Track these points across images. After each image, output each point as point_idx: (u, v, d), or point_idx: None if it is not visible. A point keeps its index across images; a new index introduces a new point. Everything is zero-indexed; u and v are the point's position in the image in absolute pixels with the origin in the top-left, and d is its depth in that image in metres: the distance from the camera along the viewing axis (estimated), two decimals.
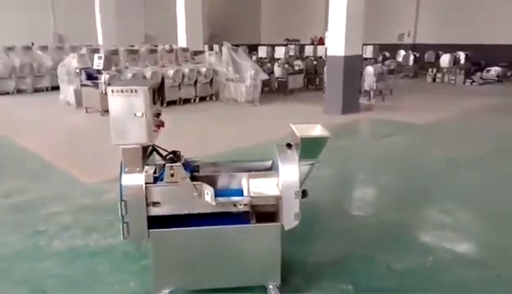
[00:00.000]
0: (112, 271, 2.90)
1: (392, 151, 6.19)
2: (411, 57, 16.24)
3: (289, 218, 2.42)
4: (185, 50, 10.74)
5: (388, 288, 2.70)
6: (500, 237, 3.42)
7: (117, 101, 2.16)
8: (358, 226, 3.65)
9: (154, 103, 2.34)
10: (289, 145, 2.48)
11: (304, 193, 2.54)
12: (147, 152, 2.37)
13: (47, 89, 12.09)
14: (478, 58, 15.57)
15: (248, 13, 23.96)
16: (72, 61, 9.35)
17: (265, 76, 9.93)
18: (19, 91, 11.72)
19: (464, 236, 3.45)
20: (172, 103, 9.76)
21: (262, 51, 12.69)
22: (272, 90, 11.98)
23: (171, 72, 9.47)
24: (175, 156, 2.37)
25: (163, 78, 9.38)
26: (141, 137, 2.21)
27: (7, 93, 11.48)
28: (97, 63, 8.54)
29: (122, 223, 2.27)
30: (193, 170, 2.46)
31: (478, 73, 14.63)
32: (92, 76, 8.61)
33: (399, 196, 4.37)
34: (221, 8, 22.80)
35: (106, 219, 3.65)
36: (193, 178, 2.37)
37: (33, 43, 13.20)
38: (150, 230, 2.31)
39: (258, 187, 2.42)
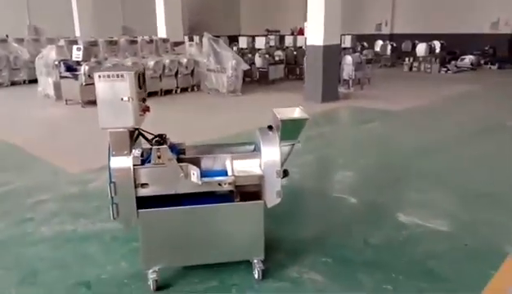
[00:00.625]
0: (103, 253, 2.99)
1: (369, 136, 6.41)
2: (389, 47, 16.56)
3: (272, 196, 2.56)
4: (165, 41, 10.72)
5: (365, 260, 2.88)
6: (467, 213, 3.66)
7: (104, 86, 2.24)
8: (336, 206, 3.84)
9: (140, 87, 2.42)
10: (270, 128, 2.61)
11: (286, 173, 2.68)
12: (134, 135, 2.46)
13: (24, 82, 11.89)
14: (454, 47, 16.00)
15: (227, 4, 23.86)
16: (50, 53, 9.24)
17: (246, 66, 10.02)
18: None
19: (434, 213, 3.67)
20: (153, 94, 9.74)
21: (243, 42, 12.75)
22: (254, 80, 12.08)
23: (151, 63, 9.46)
24: (161, 139, 2.47)
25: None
26: (128, 121, 2.30)
27: None
28: (76, 54, 8.47)
29: (111, 204, 2.36)
30: (179, 152, 2.56)
31: (453, 62, 15.06)
32: (71, 68, 8.54)
33: (373, 177, 4.59)
34: (199, 2, 22.66)
35: (94, 205, 3.72)
36: (179, 160, 2.48)
37: (7, 36, 12.91)
38: (139, 210, 2.42)
39: (242, 167, 2.55)
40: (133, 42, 9.98)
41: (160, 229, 2.49)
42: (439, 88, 10.94)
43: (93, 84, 7.11)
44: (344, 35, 11.89)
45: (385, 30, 20.04)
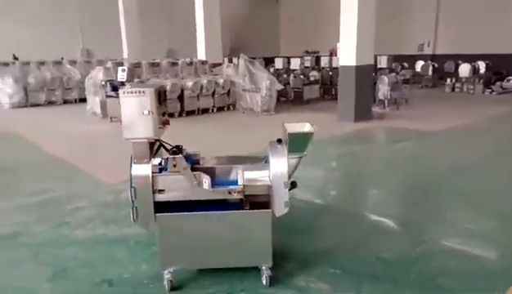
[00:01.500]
0: (127, 256, 3.24)
1: (399, 156, 6.38)
2: (430, 67, 16.26)
3: (280, 206, 2.71)
4: (204, 62, 11.23)
5: (374, 274, 2.92)
6: (499, 233, 3.59)
7: (127, 101, 2.51)
8: (355, 221, 3.89)
9: (160, 103, 2.68)
10: (279, 141, 2.77)
11: (293, 184, 2.83)
12: (154, 146, 2.71)
13: (76, 101, 12.82)
14: (500, 67, 15.45)
15: (268, 27, 24.51)
16: (98, 74, 9.97)
17: (280, 86, 10.26)
18: (49, 103, 12.48)
19: (455, 232, 3.63)
20: (191, 113, 10.22)
21: (279, 63, 13.06)
22: (289, 100, 12.29)
23: (190, 83, 9.94)
24: (178, 149, 2.70)
25: (182, 90, 9.90)
26: (148, 132, 2.55)
27: (39, 105, 12.24)
28: (121, 75, 9.09)
29: (132, 207, 2.61)
30: (194, 162, 2.79)
31: (499, 83, 14.51)
32: (116, 87, 9.14)
33: (397, 195, 4.58)
34: (241, 23, 23.47)
35: (124, 213, 4.00)
36: (194, 169, 2.70)
37: (62, 58, 14.06)
38: (156, 214, 2.64)
39: (251, 177, 2.72)
40: (174, 64, 10.56)
41: (175, 232, 2.70)
42: (481, 109, 10.61)
43: None
44: (380, 56, 11.89)
45: (427, 50, 19.68)
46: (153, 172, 2.60)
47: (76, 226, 3.82)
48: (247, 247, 2.74)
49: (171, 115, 9.82)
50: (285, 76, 12.45)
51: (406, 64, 16.86)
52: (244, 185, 2.62)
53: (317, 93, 12.41)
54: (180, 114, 10.04)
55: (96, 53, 18.91)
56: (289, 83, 12.17)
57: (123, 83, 9.06)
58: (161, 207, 2.67)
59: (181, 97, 9.93)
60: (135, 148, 2.58)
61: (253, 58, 11.37)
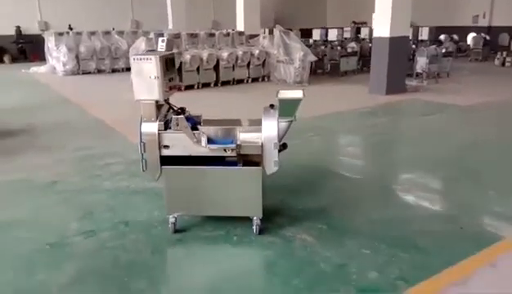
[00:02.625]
0: (144, 204, 3.72)
1: (420, 128, 6.39)
2: (481, 40, 15.38)
3: (270, 165, 3.02)
4: (240, 34, 11.46)
5: (357, 229, 3.19)
6: (469, 197, 3.69)
7: (137, 66, 2.89)
8: (353, 186, 4.13)
9: (168, 70, 3.04)
10: (272, 106, 3.06)
11: (284, 146, 3.14)
12: (162, 107, 3.09)
13: (123, 69, 13.62)
14: None
15: None
16: (141, 44, 10.53)
17: (313, 58, 10.32)
18: (99, 71, 13.39)
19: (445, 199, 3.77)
20: (226, 83, 10.59)
21: (317, 34, 12.98)
22: (325, 72, 12.31)
23: (225, 54, 10.27)
24: (181, 111, 3.07)
25: (218, 60, 10.26)
26: (155, 95, 2.93)
27: (89, 73, 13.17)
28: (161, 45, 9.52)
29: (141, 159, 3.04)
30: (196, 122, 3.15)
31: None
32: None
33: (405, 164, 4.72)
34: None
35: None
36: (195, 129, 3.06)
37: (113, 28, 14.88)
38: (162, 167, 3.06)
39: (246, 138, 3.04)
40: (212, 35, 10.89)
41: (178, 183, 3.11)
42: None
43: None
44: (422, 27, 11.48)
45: (483, 22, 18.50)
46: (159, 130, 2.99)
47: (105, 178, 4.37)
48: (240, 199, 3.10)
49: (207, 85, 10.27)
50: (322, 47, 12.41)
51: (455, 36, 16.08)
52: (237, 145, 2.95)
53: (355, 65, 12.29)
54: (215, 84, 10.45)
55: (144, 24, 19.72)
56: (326, 55, 12.16)
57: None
58: (168, 160, 3.07)
59: (217, 67, 10.31)
60: (144, 108, 2.98)
61: (290, 29, 11.44)
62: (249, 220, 3.17)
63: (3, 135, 6.17)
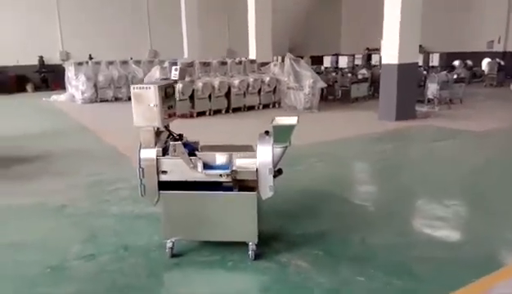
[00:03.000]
0: (145, 228, 3.80)
1: (429, 154, 6.35)
2: (496, 65, 15.29)
3: (265, 190, 3.08)
4: (252, 62, 11.72)
5: (355, 256, 3.18)
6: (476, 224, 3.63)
7: (137, 95, 3.03)
8: (356, 212, 4.12)
9: (167, 97, 3.17)
10: (267, 132, 3.14)
11: (280, 171, 3.19)
12: (161, 134, 3.21)
13: None
14: None
15: (328, 25, 24.44)
16: (156, 73, 10.89)
17: (323, 84, 10.45)
18: (116, 99, 13.80)
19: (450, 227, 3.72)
20: (237, 109, 10.78)
21: (327, 61, 13.17)
22: (336, 98, 12.40)
23: (236, 81, 10.50)
24: (179, 137, 3.18)
25: (229, 87, 10.49)
26: (154, 122, 3.05)
27: (107, 100, 13.60)
28: (174, 74, 9.84)
29: (140, 185, 3.14)
30: (193, 149, 3.25)
31: None
32: None
33: (411, 190, 4.69)
34: (302, 21, 23.68)
35: None
36: (193, 155, 3.16)
37: (131, 58, 15.45)
38: (160, 192, 3.14)
39: (241, 164, 3.12)
40: (224, 63, 11.18)
41: (175, 208, 3.18)
42: None
43: (186, 100, 8.62)
44: (432, 53, 11.53)
45: (497, 48, 18.43)
46: (157, 156, 3.10)
47: (113, 203, 4.48)
48: (235, 224, 3.15)
49: (218, 111, 10.46)
50: (333, 74, 12.55)
51: (469, 62, 16.04)
52: (232, 170, 3.02)
53: (366, 91, 12.35)
54: (227, 111, 10.64)
55: (161, 53, 20.38)
56: (336, 81, 12.28)
57: (175, 81, 9.84)
58: (167, 186, 3.16)
59: (228, 94, 10.53)
60: (143, 135, 3.10)
61: (301, 57, 11.67)
62: (246, 245, 3.19)
63: (21, 161, 6.41)
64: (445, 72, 10.76)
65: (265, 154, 3.04)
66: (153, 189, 3.14)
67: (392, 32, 8.58)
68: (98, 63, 13.92)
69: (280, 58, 11.61)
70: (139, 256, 3.29)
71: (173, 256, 3.22)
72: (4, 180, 5.39)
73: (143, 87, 3.03)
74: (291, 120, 3.13)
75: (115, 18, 19.32)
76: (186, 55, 17.05)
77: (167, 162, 3.11)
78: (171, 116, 3.25)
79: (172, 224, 3.22)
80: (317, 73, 12.38)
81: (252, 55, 12.85)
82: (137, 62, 14.58)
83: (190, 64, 10.62)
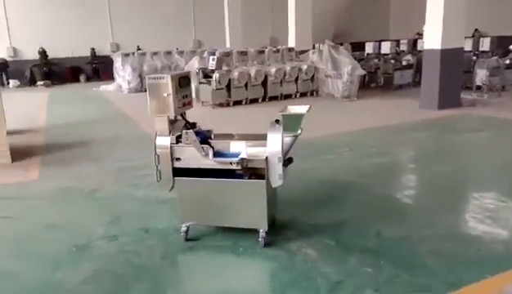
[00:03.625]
0: (166, 213, 3.96)
1: (466, 145, 6.03)
2: None
3: (275, 178, 3.10)
4: (290, 49, 11.62)
5: (366, 247, 3.13)
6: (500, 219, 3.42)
7: (152, 85, 3.15)
8: (378, 203, 4.02)
9: (181, 87, 3.25)
10: (277, 121, 3.14)
11: (290, 160, 3.20)
12: (175, 122, 3.31)
13: None
14: None
15: (376, 9, 23.54)
16: (195, 63, 11.14)
17: (362, 72, 10.15)
18: None
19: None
20: (274, 98, 10.77)
21: (369, 47, 12.73)
22: (378, 86, 12.02)
23: (273, 70, 10.47)
24: (192, 125, 3.27)
25: (266, 76, 10.49)
26: (168, 111, 3.16)
27: None
28: (211, 63, 10.06)
29: (156, 171, 3.28)
30: (206, 137, 3.32)
31: None
32: (207, 75, 10.18)
33: (437, 183, 4.49)
34: (347, 8, 22.99)
35: None
36: (206, 143, 3.24)
37: (177, 48, 15.90)
38: (175, 178, 3.26)
39: (252, 152, 3.16)
40: (261, 52, 11.17)
41: (189, 193, 3.29)
42: None
43: (223, 89, 8.79)
44: (483, 37, 10.79)
45: None
46: (171, 143, 3.21)
47: (140, 188, 4.70)
48: (245, 211, 3.20)
49: (254, 100, 10.51)
50: (375, 61, 12.14)
51: None
52: (241, 158, 3.07)
53: (410, 78, 11.84)
54: (263, 99, 10.67)
55: (205, 43, 20.74)
56: (379, 68, 11.89)
57: (212, 71, 10.04)
58: (182, 172, 3.26)
59: (265, 83, 10.54)
60: (158, 123, 3.22)
61: (340, 44, 11.40)
62: (258, 232, 3.24)
63: (64, 146, 6.87)
64: (496, 57, 10.05)
65: (274, 143, 3.05)
66: (168, 176, 3.27)
67: (435, 15, 8.14)
68: (144, 54, 14.45)
69: (320, 45, 11.39)
70: (157, 239, 3.45)
71: (189, 240, 3.34)
72: (48, 165, 5.81)
73: (157, 78, 3.14)
74: (302, 109, 3.12)
75: (162, 10, 19.89)
76: (228, 45, 17.21)
77: (180, 150, 3.21)
78: (186, 105, 3.34)
79: (187, 209, 3.34)
80: (360, 59, 12.06)
81: (291, 43, 12.72)
82: (180, 52, 14.95)
83: (228, 54, 10.74)
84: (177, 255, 3.23)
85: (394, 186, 4.59)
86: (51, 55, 18.31)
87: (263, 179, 3.13)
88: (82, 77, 18.70)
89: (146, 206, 4.20)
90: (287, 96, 10.92)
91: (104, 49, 19.09)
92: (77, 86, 17.08)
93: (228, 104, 10.19)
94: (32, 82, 17.66)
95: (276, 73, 10.48)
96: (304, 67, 10.85)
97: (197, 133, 3.23)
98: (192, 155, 3.19)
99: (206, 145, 3.17)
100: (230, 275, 2.93)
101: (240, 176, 3.20)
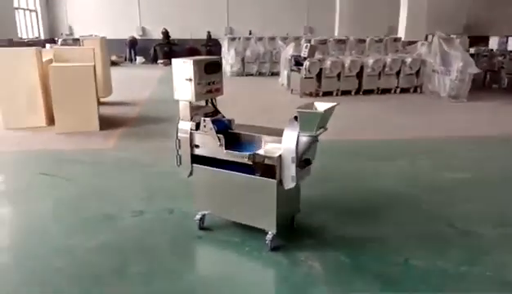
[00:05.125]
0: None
1: None
2: None
3: (288, 180, 2.84)
4: (396, 40, 10.62)
5: (384, 274, 2.68)
6: None
7: (176, 69, 3.11)
8: (426, 225, 3.43)
9: (207, 73, 3.15)
10: (296, 118, 2.84)
11: (307, 162, 2.88)
12: (199, 108, 3.24)
13: (278, 73, 14.36)
14: None
15: None
16: (290, 50, 10.94)
17: (475, 70, 8.75)
18: (260, 74, 14.45)
19: None
20: (369, 92, 10.01)
21: (494, 43, 10.90)
22: (501, 87, 10.31)
23: (370, 61, 9.71)
24: (212, 114, 3.16)
25: (362, 67, 9.77)
26: (189, 96, 3.09)
27: (251, 75, 14.36)
28: (304, 51, 9.76)
29: (176, 155, 3.27)
30: (225, 126, 3.18)
31: None
32: (299, 62, 9.92)
33: None
34: None
35: None
36: (225, 133, 3.11)
37: (287, 34, 15.88)
38: (193, 164, 3.22)
39: (269, 148, 2.93)
40: (361, 41, 10.44)
41: (203, 182, 3.22)
42: None
43: (312, 78, 8.57)
44: None
45: None
46: (191, 129, 3.16)
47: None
48: (254, 209, 3.00)
49: (347, 92, 9.91)
50: (499, 58, 10.39)
51: None
52: (251, 154, 2.86)
53: None
54: (357, 92, 9.99)
55: (316, 30, 20.32)
56: (503, 67, 10.17)
57: (304, 59, 9.75)
58: (201, 160, 3.19)
59: (360, 75, 9.85)
60: (181, 107, 3.19)
61: (485, 36, 10.02)
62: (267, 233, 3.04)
63: (149, 121, 7.42)
64: None
65: (289, 141, 2.77)
66: (187, 161, 3.23)
67: None
68: (248, 38, 14.72)
69: (430, 37, 10.19)
70: (176, 222, 3.48)
71: (202, 228, 3.28)
72: (127, 136, 6.32)
73: (182, 62, 3.09)
74: (326, 106, 2.77)
75: None
76: (336, 33, 16.54)
77: (198, 137, 3.14)
78: (212, 92, 3.23)
79: (201, 197, 3.28)
80: (484, 56, 10.51)
81: (401, 33, 11.63)
82: (284, 38, 14.83)
83: (324, 42, 10.30)
84: (185, 242, 3.19)
85: (457, 211, 3.77)
86: (172, 36, 19.94)
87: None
88: None
89: (185, 187, 4.25)
90: (385, 91, 10.06)
91: (219, 32, 20.06)
92: None
93: (318, 94, 9.80)
94: (154, 60, 19.49)
95: (373, 65, 9.71)
96: (408, 59, 9.82)
97: (217, 121, 3.11)
98: (209, 144, 3.10)
99: (221, 135, 3.04)
100: (221, 273, 2.79)
101: (251, 171, 3.00)
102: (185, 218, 3.51)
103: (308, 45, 9.71)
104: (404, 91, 10.14)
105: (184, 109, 3.18)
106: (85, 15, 19.97)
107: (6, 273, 2.82)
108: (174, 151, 5.09)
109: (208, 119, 3.08)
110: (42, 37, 18.96)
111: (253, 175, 2.95)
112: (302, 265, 2.79)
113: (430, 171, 4.76)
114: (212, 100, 3.37)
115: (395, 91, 10.12)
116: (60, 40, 14.84)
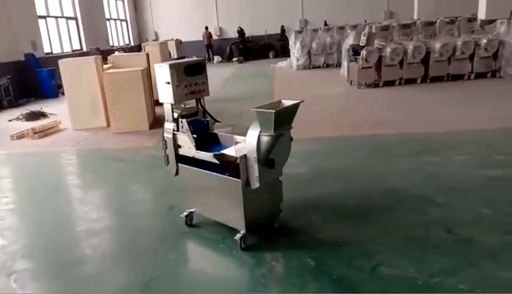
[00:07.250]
0: None
1: None
2: None
3: (252, 179, 2.83)
4: (470, 20, 9.48)
5: (344, 279, 2.52)
6: None
7: (157, 73, 3.26)
8: (429, 228, 3.10)
9: (189, 75, 3.24)
10: None
11: (270, 163, 2.81)
12: (185, 108, 3.35)
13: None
14: None
15: None
16: (349, 39, 10.47)
17: None
18: (327, 65, 14.05)
19: None
20: (437, 79, 9.14)
21: None
22: None
23: (437, 45, 8.83)
24: (191, 115, 3.24)
25: (428, 52, 8.95)
26: (169, 98, 3.22)
27: (318, 67, 14.03)
28: (362, 40, 9.27)
29: (164, 154, 3.43)
30: (202, 127, 3.25)
31: None
32: (357, 52, 9.45)
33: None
34: None
35: None
36: (204, 134, 3.18)
37: (365, 21, 15.26)
38: (178, 164, 3.35)
39: (239, 147, 2.94)
40: (430, 23, 9.53)
41: (185, 181, 3.33)
42: None
43: (370, 68, 8.38)
44: None
45: None
46: (174, 130, 3.29)
47: None
48: (226, 208, 3.04)
49: (412, 81, 9.17)
50: None
51: None
52: (215, 153, 2.90)
53: None
54: (423, 80, 9.18)
55: (397, 14, 19.05)
56: None
57: (362, 47, 9.27)
58: (185, 160, 3.30)
59: (426, 61, 9.03)
60: (165, 109, 3.34)
61: None
62: (251, 232, 3.05)
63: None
64: None
65: (251, 140, 2.76)
66: (173, 160, 3.38)
67: None
68: (315, 30, 14.40)
69: None
70: (170, 218, 3.64)
71: (190, 225, 3.41)
72: None
73: (160, 65, 3.23)
74: (290, 104, 2.69)
75: None
76: (415, 16, 15.29)
77: (179, 138, 3.26)
78: (195, 93, 3.32)
79: (186, 196, 3.40)
80: None
81: (480, 13, 10.34)
82: (354, 27, 14.19)
83: (386, 28, 9.65)
84: (171, 237, 3.33)
85: (468, 215, 3.27)
86: (248, 33, 20.40)
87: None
88: (271, 54, 20.16)
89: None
90: (456, 77, 9.09)
91: (293, 26, 19.95)
92: (262, 63, 18.49)
93: (377, 85, 9.25)
94: (230, 58, 20.17)
95: (441, 49, 8.83)
96: (483, 41, 8.73)
97: (195, 122, 3.20)
98: (185, 144, 3.21)
99: (195, 135, 3.12)
100: (189, 267, 2.90)
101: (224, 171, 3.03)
102: (178, 215, 3.66)
103: (366, 33, 9.20)
104: (480, 76, 9.04)
105: (167, 111, 3.33)
106: (168, 21, 21.49)
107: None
108: None
109: (184, 120, 3.18)
110: (132, 44, 20.88)
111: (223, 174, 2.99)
112: (264, 266, 2.75)
113: (461, 168, 4.24)
114: (200, 100, 3.46)
115: (469, 77, 9.08)
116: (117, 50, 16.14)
